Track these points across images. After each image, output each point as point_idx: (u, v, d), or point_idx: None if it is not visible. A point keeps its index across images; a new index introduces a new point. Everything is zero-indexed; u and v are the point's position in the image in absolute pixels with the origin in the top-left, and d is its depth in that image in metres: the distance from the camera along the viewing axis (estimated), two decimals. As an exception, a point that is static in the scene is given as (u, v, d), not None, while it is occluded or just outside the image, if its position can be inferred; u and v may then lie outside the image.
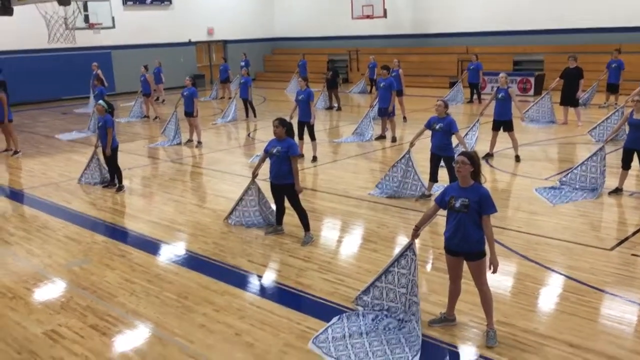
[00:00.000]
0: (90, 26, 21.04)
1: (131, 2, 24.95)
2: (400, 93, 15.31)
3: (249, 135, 15.48)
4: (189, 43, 27.41)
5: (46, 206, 9.49)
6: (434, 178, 8.83)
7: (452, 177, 8.02)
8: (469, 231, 4.78)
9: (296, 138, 8.50)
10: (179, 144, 13.93)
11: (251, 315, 5.56)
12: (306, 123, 11.49)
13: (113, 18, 21.54)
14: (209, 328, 5.36)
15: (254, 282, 6.42)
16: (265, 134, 14.30)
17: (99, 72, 18.58)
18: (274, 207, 7.82)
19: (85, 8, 20.24)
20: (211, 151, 13.25)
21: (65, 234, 8.12)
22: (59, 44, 18.13)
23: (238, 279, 6.42)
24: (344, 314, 5.43)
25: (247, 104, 16.92)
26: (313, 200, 9.11)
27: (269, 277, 6.55)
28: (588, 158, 8.99)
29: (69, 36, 18.00)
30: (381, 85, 13.08)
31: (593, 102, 16.99)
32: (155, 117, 17.93)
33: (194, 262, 6.98)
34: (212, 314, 5.63)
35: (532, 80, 20.07)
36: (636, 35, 19.56)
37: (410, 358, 4.72)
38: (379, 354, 4.80)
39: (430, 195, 8.73)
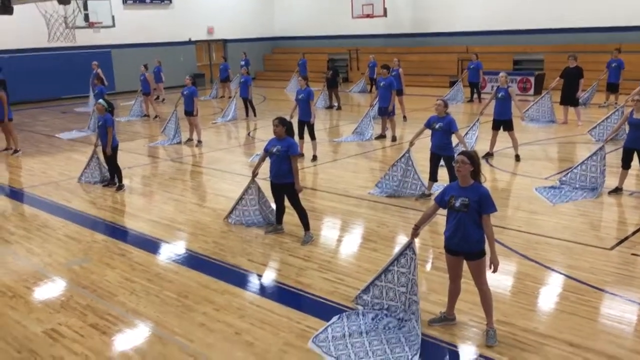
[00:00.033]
0: (90, 25, 21.06)
1: (131, 1, 24.94)
2: (400, 92, 15.30)
3: (249, 134, 15.48)
4: (189, 42, 27.41)
5: (46, 205, 9.49)
6: (433, 177, 8.83)
7: (452, 177, 8.02)
8: (469, 231, 4.78)
9: (296, 137, 8.50)
10: (179, 143, 13.93)
11: (251, 315, 5.57)
12: (306, 122, 11.49)
13: (113, 17, 21.57)
14: (209, 327, 5.36)
15: (253, 281, 6.42)
16: (265, 133, 14.30)
17: (99, 71, 18.56)
18: (273, 206, 7.82)
19: (85, 7, 20.26)
20: (211, 150, 13.25)
21: (65, 232, 8.13)
22: (59, 43, 18.13)
23: (238, 278, 6.42)
24: (343, 313, 5.43)
25: (247, 103, 16.92)
26: (313, 200, 9.12)
27: (269, 276, 6.55)
28: (588, 157, 8.99)
29: (69, 35, 18.00)
30: (381, 84, 13.07)
31: (593, 101, 16.98)
32: (156, 116, 17.93)
33: (194, 261, 6.99)
34: (212, 313, 5.63)
35: (532, 79, 20.07)
36: (636, 34, 19.56)
37: (410, 357, 4.72)
38: (379, 353, 4.80)
39: (430, 195, 8.73)
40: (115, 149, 9.96)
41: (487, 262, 4.82)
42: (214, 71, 27.12)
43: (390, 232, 7.68)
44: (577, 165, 9.13)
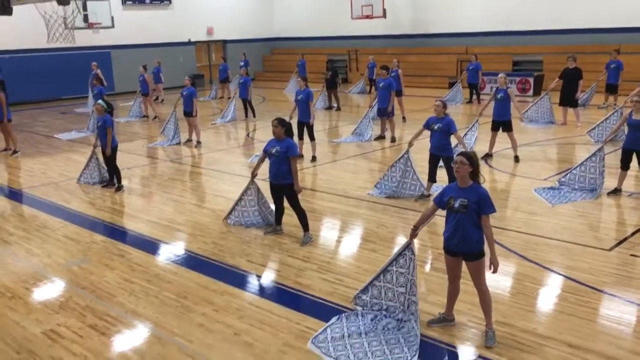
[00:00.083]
0: (90, 26, 21.04)
1: (130, 2, 24.95)
2: (399, 93, 15.32)
3: (248, 135, 15.48)
4: (189, 43, 27.41)
5: (45, 206, 9.48)
6: (432, 178, 8.84)
7: (451, 178, 8.02)
8: (468, 231, 4.79)
9: (296, 138, 8.51)
10: (178, 143, 13.93)
11: (250, 315, 5.57)
12: (305, 123, 11.50)
13: (112, 18, 21.54)
14: (208, 328, 5.36)
15: (253, 282, 6.42)
16: (264, 133, 14.30)
17: (99, 71, 18.59)
18: (273, 207, 7.82)
19: (85, 8, 20.22)
20: (210, 151, 13.25)
21: (64, 233, 8.12)
22: (58, 43, 18.13)
23: (237, 279, 6.42)
24: (343, 314, 5.43)
25: (247, 104, 16.92)
26: (312, 200, 9.12)
27: (268, 277, 6.56)
28: (587, 158, 9.00)
29: (68, 36, 17.99)
30: (380, 85, 13.08)
31: (592, 102, 17.00)
32: (155, 117, 17.94)
33: (193, 262, 6.98)
34: (211, 313, 5.63)
35: (531, 80, 20.08)
36: (635, 35, 19.58)
37: (409, 358, 4.72)
38: (378, 354, 4.80)
39: (429, 196, 8.73)
40: (114, 149, 9.96)
41: (487, 263, 4.83)
42: (213, 72, 27.12)
43: (390, 233, 7.69)
44: (576, 166, 9.13)
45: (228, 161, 12.22)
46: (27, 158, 13.18)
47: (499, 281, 5.84)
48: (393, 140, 13.28)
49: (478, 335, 5.05)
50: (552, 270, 6.32)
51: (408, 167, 8.91)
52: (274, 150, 7.18)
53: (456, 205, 4.79)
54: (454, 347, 4.96)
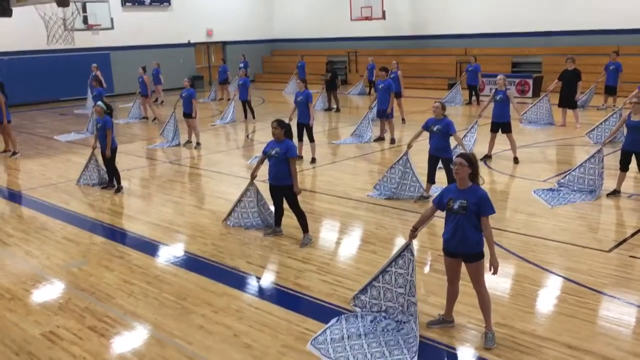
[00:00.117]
0: (89, 27, 21.05)
1: (130, 3, 24.97)
2: (398, 95, 15.33)
3: (247, 136, 15.48)
4: (188, 44, 27.43)
5: (45, 207, 9.48)
6: (431, 179, 8.84)
7: (450, 179, 8.03)
8: (467, 233, 4.79)
9: (295, 140, 8.51)
10: (178, 145, 13.93)
11: (250, 317, 5.57)
12: (305, 124, 11.50)
13: (112, 19, 21.55)
14: (207, 329, 5.36)
15: (252, 284, 6.42)
16: (264, 135, 14.31)
17: (98, 73, 18.59)
18: (272, 208, 7.82)
19: (84, 9, 20.23)
20: (210, 152, 13.25)
21: (63, 235, 8.12)
22: (57, 45, 18.13)
23: (237, 280, 6.42)
24: (342, 316, 5.43)
25: (246, 105, 16.93)
26: (312, 202, 9.12)
27: (268, 279, 6.56)
28: (586, 160, 9.00)
29: (67, 37, 18.00)
30: (380, 86, 13.09)
31: (591, 104, 17.02)
32: (154, 119, 17.95)
33: (192, 263, 6.98)
34: (211, 315, 5.63)
35: (530, 82, 20.11)
36: (634, 37, 19.61)
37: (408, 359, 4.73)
38: (378, 356, 4.80)
39: (428, 197, 8.74)
40: (114, 151, 9.96)
41: (487, 265, 4.83)
42: (212, 73, 27.14)
43: (389, 235, 7.69)
44: (576, 168, 9.14)
45: (227, 162, 12.22)
46: (27, 159, 13.18)
47: (498, 282, 5.85)
48: (392, 141, 13.28)
49: (477, 336, 5.05)
50: (551, 272, 6.32)
51: (407, 168, 8.91)
52: (273, 152, 7.19)
53: (455, 206, 4.79)
54: (454, 348, 4.96)
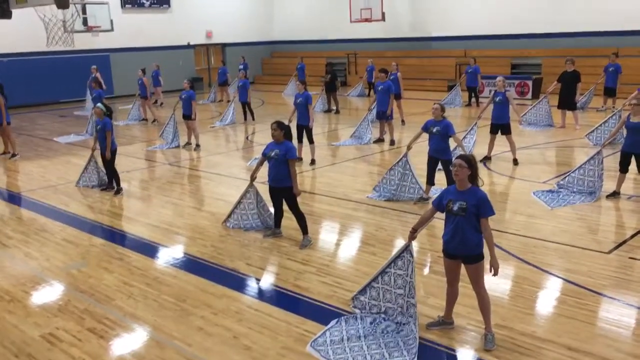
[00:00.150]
0: (89, 29, 21.04)
1: (130, 5, 24.98)
2: (398, 96, 15.33)
3: (247, 138, 15.49)
4: (188, 46, 27.44)
5: (44, 209, 9.48)
6: (431, 181, 8.84)
7: (450, 180, 8.03)
8: (467, 234, 4.79)
9: (295, 141, 8.51)
10: (177, 146, 13.93)
11: (249, 318, 5.56)
12: (304, 126, 11.51)
13: (112, 21, 21.54)
14: (207, 331, 5.36)
15: (252, 285, 6.41)
16: (263, 137, 14.31)
17: (98, 74, 18.59)
18: (272, 210, 7.82)
19: (84, 11, 20.22)
20: (209, 154, 13.25)
21: (63, 236, 8.12)
22: (57, 46, 18.13)
23: (236, 282, 6.42)
24: (342, 317, 5.43)
25: (246, 107, 16.94)
26: (311, 203, 9.12)
27: (267, 280, 6.55)
28: (586, 161, 9.01)
29: (67, 39, 18.01)
30: (379, 88, 13.09)
31: (591, 105, 17.03)
32: (154, 120, 17.96)
33: (192, 265, 6.98)
34: (210, 317, 5.62)
35: (529, 83, 20.11)
36: (634, 38, 19.63)
37: (408, 361, 4.72)
38: (377, 358, 4.80)
39: (428, 199, 8.74)
40: (113, 152, 9.96)
41: (487, 266, 4.83)
42: (212, 75, 27.15)
43: (389, 236, 7.69)
44: (575, 169, 9.14)
45: (227, 164, 12.22)
46: (26, 161, 13.18)
47: (498, 284, 5.85)
48: (392, 143, 13.29)
49: (477, 338, 5.04)
50: (551, 273, 6.32)
51: (407, 170, 8.92)
52: (272, 154, 7.19)
53: (455, 208, 4.80)
54: (453, 350, 4.96)
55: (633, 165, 8.85)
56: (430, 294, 5.89)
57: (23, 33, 20.40)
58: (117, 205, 9.68)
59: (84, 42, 22.14)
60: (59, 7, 13.67)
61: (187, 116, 13.40)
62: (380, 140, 13.61)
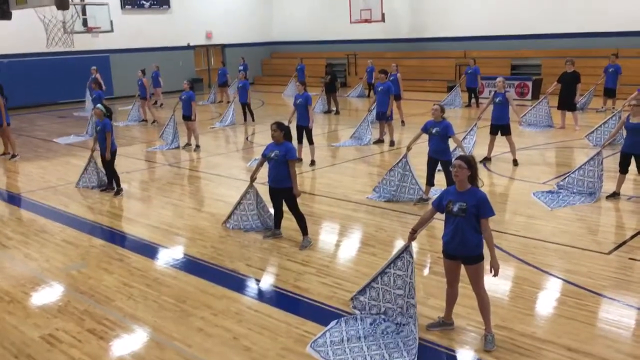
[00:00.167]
0: (89, 30, 21.06)
1: (129, 6, 24.99)
2: (398, 97, 15.34)
3: (247, 139, 15.49)
4: (188, 47, 27.44)
5: (44, 210, 9.48)
6: (430, 181, 8.84)
7: (450, 181, 8.03)
8: (467, 235, 4.79)
9: (295, 142, 8.51)
10: (177, 147, 13.93)
11: (249, 319, 5.56)
12: (304, 127, 11.51)
13: (111, 22, 21.56)
14: (206, 332, 5.36)
15: (252, 286, 6.41)
16: (263, 137, 14.30)
17: (98, 75, 18.59)
18: (272, 211, 7.82)
19: (84, 12, 20.24)
20: (209, 155, 13.25)
21: (63, 237, 8.12)
22: (57, 47, 18.14)
23: (236, 283, 6.42)
24: (342, 318, 5.43)
25: (246, 107, 16.94)
26: (311, 204, 9.12)
27: (267, 281, 6.55)
28: (586, 162, 9.01)
29: (67, 40, 18.02)
30: (379, 89, 13.10)
31: (590, 106, 17.03)
32: (154, 121, 17.96)
33: (192, 266, 6.98)
34: (210, 317, 5.62)
35: (529, 84, 20.12)
36: (633, 39, 19.63)
37: (408, 362, 4.72)
38: (377, 358, 4.80)
39: (428, 199, 8.74)
40: (113, 153, 9.96)
41: (487, 267, 4.83)
42: (212, 76, 27.15)
43: (389, 237, 7.69)
44: (575, 170, 9.14)
45: (227, 165, 12.22)
46: (26, 162, 13.17)
47: (498, 285, 5.85)
48: (392, 144, 13.29)
49: (477, 339, 5.04)
50: (550, 274, 6.32)
51: (407, 171, 8.92)
52: (272, 154, 7.19)
53: (455, 209, 4.80)
54: (453, 351, 4.96)
55: (633, 166, 8.85)
56: (430, 294, 5.89)
57: (23, 34, 20.40)
58: (116, 206, 9.68)
59: (83, 43, 22.14)
60: (58, 8, 13.67)
61: (187, 117, 13.41)
62: (380, 141, 13.62)
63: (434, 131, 8.53)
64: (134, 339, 5.33)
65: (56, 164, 12.90)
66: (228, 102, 20.12)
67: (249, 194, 7.98)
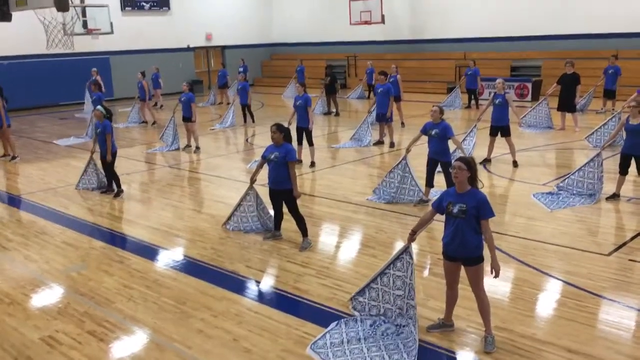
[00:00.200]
0: (89, 32, 21.08)
1: (129, 8, 25.00)
2: (398, 99, 15.35)
3: (247, 140, 15.49)
4: (187, 49, 27.45)
5: (44, 212, 9.48)
6: (430, 183, 8.85)
7: (449, 183, 8.03)
8: (466, 237, 4.79)
9: (295, 144, 8.51)
10: (177, 149, 13.93)
11: (249, 321, 5.56)
12: (304, 128, 11.52)
13: (111, 24, 21.58)
14: (206, 333, 5.35)
15: (252, 288, 6.41)
16: (263, 139, 14.30)
17: (98, 77, 18.60)
18: (272, 212, 7.82)
19: (84, 14, 20.25)
20: (209, 157, 13.25)
21: (63, 239, 8.11)
22: (57, 49, 18.15)
23: (236, 285, 6.42)
24: (342, 320, 5.43)
25: (246, 109, 16.95)
26: (311, 206, 9.12)
27: (267, 283, 6.55)
28: (585, 164, 9.01)
29: (67, 42, 18.03)
30: (379, 90, 13.11)
31: (590, 107, 17.04)
32: (154, 123, 17.97)
33: (192, 267, 6.98)
34: (210, 319, 5.62)
35: (529, 86, 20.13)
36: (633, 41, 19.64)
37: (408, 363, 4.72)
38: (377, 360, 4.80)
39: (428, 201, 8.74)
40: (114, 155, 9.96)
41: (487, 268, 4.83)
42: (212, 78, 27.16)
43: (389, 238, 7.69)
44: (575, 172, 9.15)
45: (227, 167, 12.22)
46: (26, 164, 13.18)
47: (497, 286, 5.85)
48: (392, 145, 13.30)
49: (477, 340, 5.04)
50: (550, 275, 6.32)
51: (406, 172, 8.92)
52: (272, 156, 7.19)
53: (455, 210, 4.80)
54: (453, 352, 4.95)
55: (633, 168, 8.86)
56: (430, 296, 5.89)
57: (23, 36, 20.42)
58: (116, 207, 9.68)
59: (83, 44, 22.16)
60: (58, 9, 13.68)
61: (187, 118, 13.41)
62: (380, 142, 13.62)
63: (433, 133, 8.54)
64: (134, 341, 5.33)
65: (56, 166, 12.91)
66: (228, 103, 20.13)
67: (249, 195, 7.98)
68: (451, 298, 5.17)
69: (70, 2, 13.90)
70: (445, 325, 5.23)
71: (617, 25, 19.77)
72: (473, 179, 4.85)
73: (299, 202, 7.37)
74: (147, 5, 25.60)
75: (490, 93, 16.70)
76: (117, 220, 9.08)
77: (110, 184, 10.24)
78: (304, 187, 10.22)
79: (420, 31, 24.98)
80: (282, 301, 6.03)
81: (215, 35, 28.15)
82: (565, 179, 9.29)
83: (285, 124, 7.72)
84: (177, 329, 5.45)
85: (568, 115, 14.40)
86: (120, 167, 10.68)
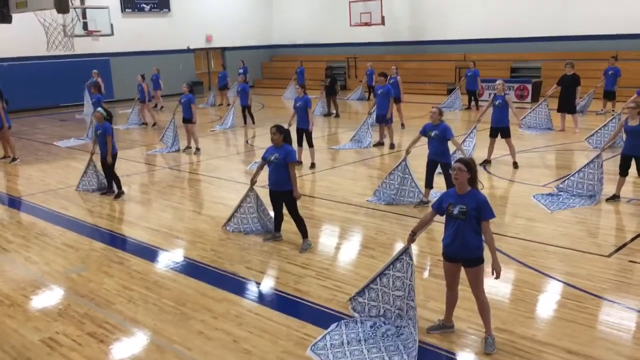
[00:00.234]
0: (89, 33, 21.10)
1: (130, 10, 25.03)
2: (398, 100, 15.36)
3: (247, 142, 15.50)
4: (188, 50, 27.47)
5: (44, 213, 9.48)
6: (429, 184, 8.85)
7: (449, 184, 8.04)
8: (467, 238, 4.79)
9: (295, 145, 8.51)
10: (177, 150, 13.94)
11: (249, 322, 5.56)
12: (304, 130, 11.52)
13: (112, 25, 21.62)
14: (207, 335, 5.35)
15: (252, 289, 6.41)
16: (263, 140, 14.31)
17: (99, 79, 18.61)
18: (272, 214, 7.82)
19: (84, 15, 20.29)
20: (209, 158, 13.26)
21: (63, 241, 8.12)
22: (57, 51, 18.18)
23: (236, 286, 6.42)
24: (342, 321, 5.43)
25: (246, 110, 16.96)
26: (311, 207, 9.12)
27: (267, 284, 6.55)
28: (585, 165, 9.02)
29: (67, 43, 18.05)
30: (379, 92, 13.12)
31: (590, 108, 17.04)
32: (154, 124, 17.98)
33: (192, 269, 6.98)
34: (210, 320, 5.62)
35: (529, 87, 20.14)
36: (633, 42, 19.66)
37: (408, 365, 4.72)
38: (377, 361, 4.80)
39: (428, 202, 8.74)
40: (114, 157, 9.96)
41: (488, 269, 4.83)
42: (212, 79, 27.18)
43: (389, 240, 7.69)
44: (575, 173, 9.15)
45: (227, 168, 12.22)
46: (26, 165, 13.18)
47: (498, 287, 5.84)
48: (392, 146, 13.31)
49: (477, 341, 5.04)
50: (551, 277, 6.32)
51: (406, 174, 8.92)
52: (272, 158, 7.20)
53: (455, 211, 4.80)
54: (454, 353, 4.95)
55: (633, 169, 8.86)
56: (430, 297, 5.88)
57: (23, 37, 20.43)
58: (116, 209, 9.68)
59: (84, 46, 22.17)
60: (59, 11, 13.70)
61: (187, 120, 13.42)
62: (380, 143, 13.62)
63: (432, 134, 8.54)
64: (134, 342, 5.33)
65: (56, 167, 12.91)
66: (228, 105, 20.14)
67: (249, 197, 7.99)
68: (451, 299, 5.17)
69: (70, 3, 13.93)
70: (446, 326, 5.23)
71: (616, 26, 19.79)
72: (473, 180, 4.85)
73: (299, 203, 7.38)
74: (147, 7, 25.63)
75: (490, 94, 16.72)
76: (117, 221, 9.08)
77: (110, 185, 10.25)
78: (304, 188, 10.22)
79: (420, 32, 25.00)
80: (282, 303, 6.03)
81: (216, 37, 28.18)
82: (565, 180, 9.29)
83: (285, 126, 7.72)
84: (177, 330, 5.46)
85: (568, 117, 14.41)
86: (120, 168, 10.68)
